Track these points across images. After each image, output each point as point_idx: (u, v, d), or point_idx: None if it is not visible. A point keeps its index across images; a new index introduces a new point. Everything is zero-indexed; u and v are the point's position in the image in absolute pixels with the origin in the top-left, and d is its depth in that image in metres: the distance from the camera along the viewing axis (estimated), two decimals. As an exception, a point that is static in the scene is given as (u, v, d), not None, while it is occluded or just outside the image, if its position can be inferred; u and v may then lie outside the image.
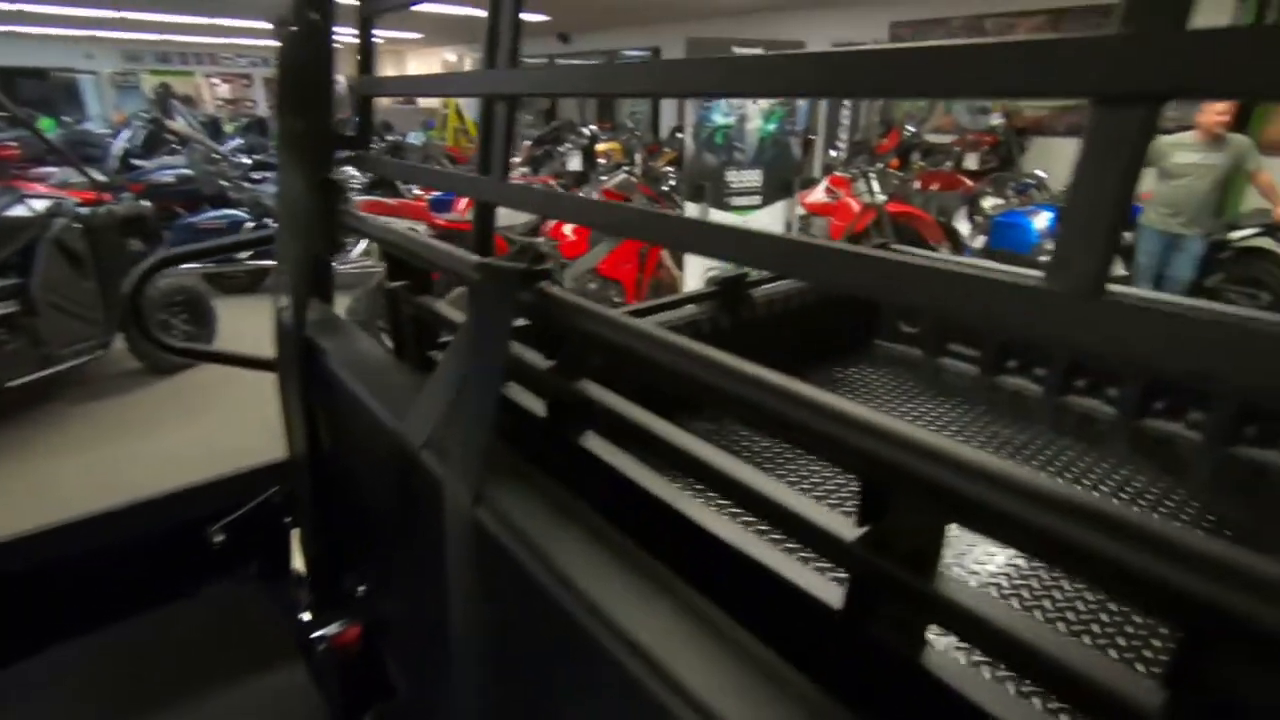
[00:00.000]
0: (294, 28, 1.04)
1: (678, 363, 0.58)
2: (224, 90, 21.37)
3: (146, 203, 4.69)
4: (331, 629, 0.86)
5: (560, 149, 7.07)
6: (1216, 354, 0.32)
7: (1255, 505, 1.51)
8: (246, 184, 6.33)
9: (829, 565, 0.55)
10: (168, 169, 6.52)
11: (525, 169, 6.93)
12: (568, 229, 4.43)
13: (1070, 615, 1.09)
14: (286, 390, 1.07)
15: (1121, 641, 0.99)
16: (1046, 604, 1.12)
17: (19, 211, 3.58)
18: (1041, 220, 5.20)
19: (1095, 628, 1.03)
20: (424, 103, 14.89)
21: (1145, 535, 0.34)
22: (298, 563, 1.30)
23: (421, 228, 4.42)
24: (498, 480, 0.61)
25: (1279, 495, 1.51)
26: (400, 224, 4.76)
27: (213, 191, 6.17)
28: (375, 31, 1.11)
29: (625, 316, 0.64)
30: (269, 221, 5.80)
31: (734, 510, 0.63)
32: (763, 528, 0.61)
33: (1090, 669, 0.40)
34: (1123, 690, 0.38)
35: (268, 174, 7.35)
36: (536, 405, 0.84)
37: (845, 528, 0.52)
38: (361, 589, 0.90)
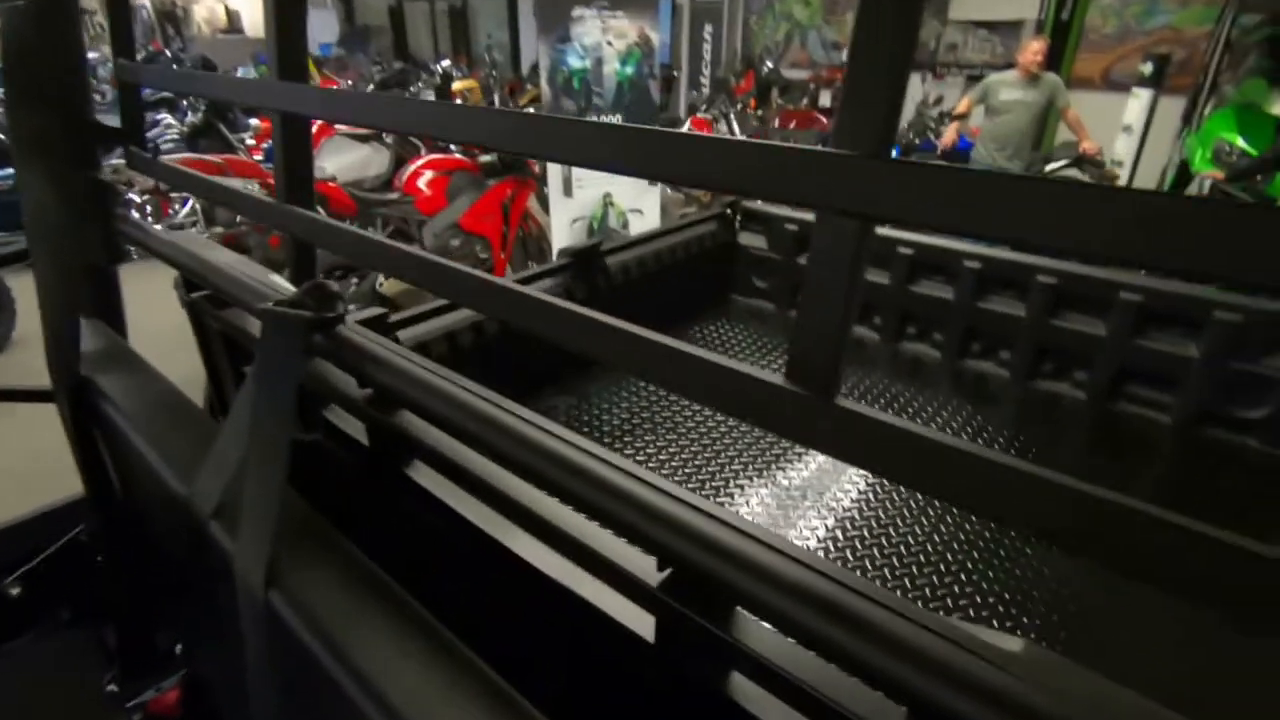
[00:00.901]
0: (20, 2, 0.87)
1: (471, 407, 0.57)
2: None
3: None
4: (147, 694, 0.79)
5: (410, 92, 6.58)
6: None
7: (1052, 426, 1.73)
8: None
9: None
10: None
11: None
12: (422, 183, 4.18)
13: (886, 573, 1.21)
14: (70, 429, 0.94)
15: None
16: (870, 559, 1.24)
17: None
18: (887, 158, 5.50)
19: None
20: (255, 33, 13.24)
21: (874, 625, 0.37)
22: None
23: (255, 187, 4.00)
24: (295, 554, 0.57)
25: (1071, 417, 1.74)
26: (235, 184, 4.29)
27: (-9, 147, 5.25)
28: None
29: (419, 362, 0.61)
30: None
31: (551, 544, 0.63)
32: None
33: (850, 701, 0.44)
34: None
35: None
36: (359, 432, 0.80)
37: (649, 573, 0.54)
38: (180, 647, 0.84)
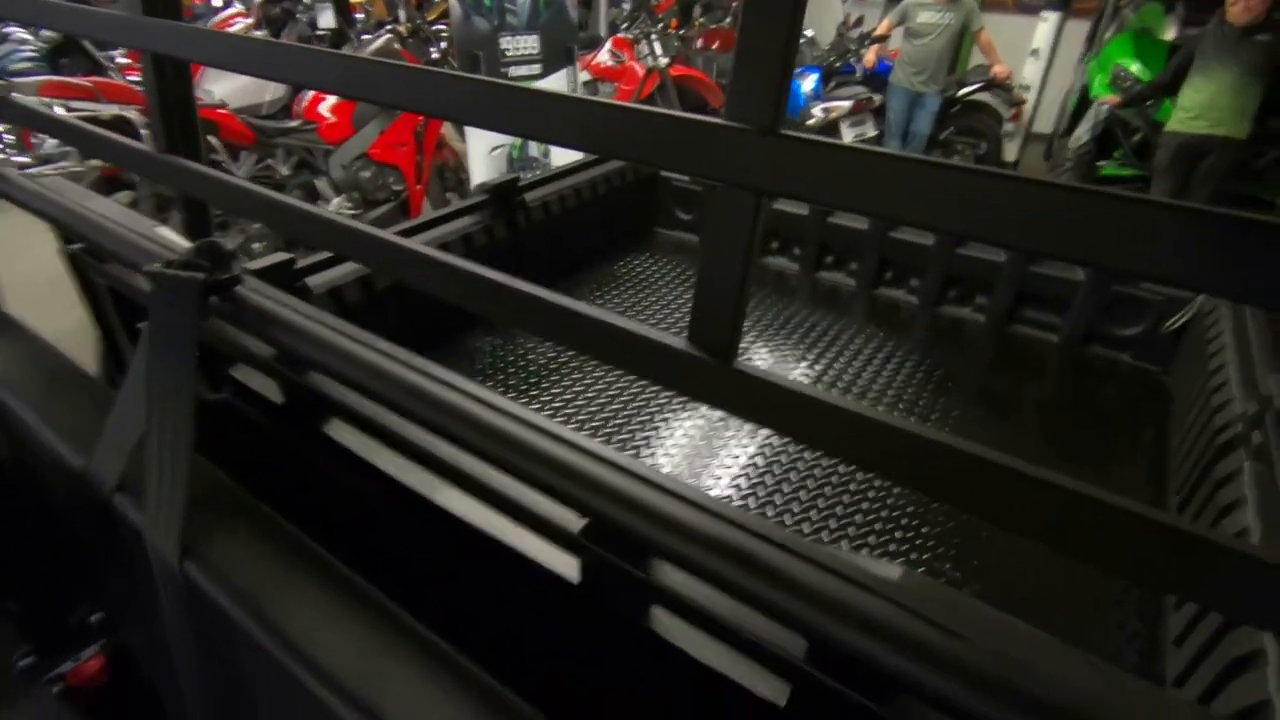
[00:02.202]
0: None
1: (374, 362, 0.56)
2: None
3: None
4: (65, 666, 0.77)
5: (305, 2, 6.01)
6: None
7: (956, 348, 1.85)
8: None
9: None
10: None
11: (260, 32, 5.83)
12: (324, 108, 3.90)
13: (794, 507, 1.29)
14: None
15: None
16: (777, 499, 1.32)
17: None
18: (808, 83, 5.48)
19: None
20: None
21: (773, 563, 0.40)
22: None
23: (134, 113, 3.62)
24: (209, 523, 0.56)
25: (973, 340, 1.87)
26: (108, 110, 3.85)
27: None
28: None
29: (319, 320, 0.59)
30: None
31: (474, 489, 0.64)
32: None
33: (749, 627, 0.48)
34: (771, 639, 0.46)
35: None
36: (273, 392, 0.78)
37: (571, 520, 0.56)
38: (96, 616, 0.81)
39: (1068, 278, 1.74)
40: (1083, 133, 4.85)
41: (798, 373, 1.66)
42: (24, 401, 0.70)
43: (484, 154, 4.11)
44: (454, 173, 4.48)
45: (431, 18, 6.67)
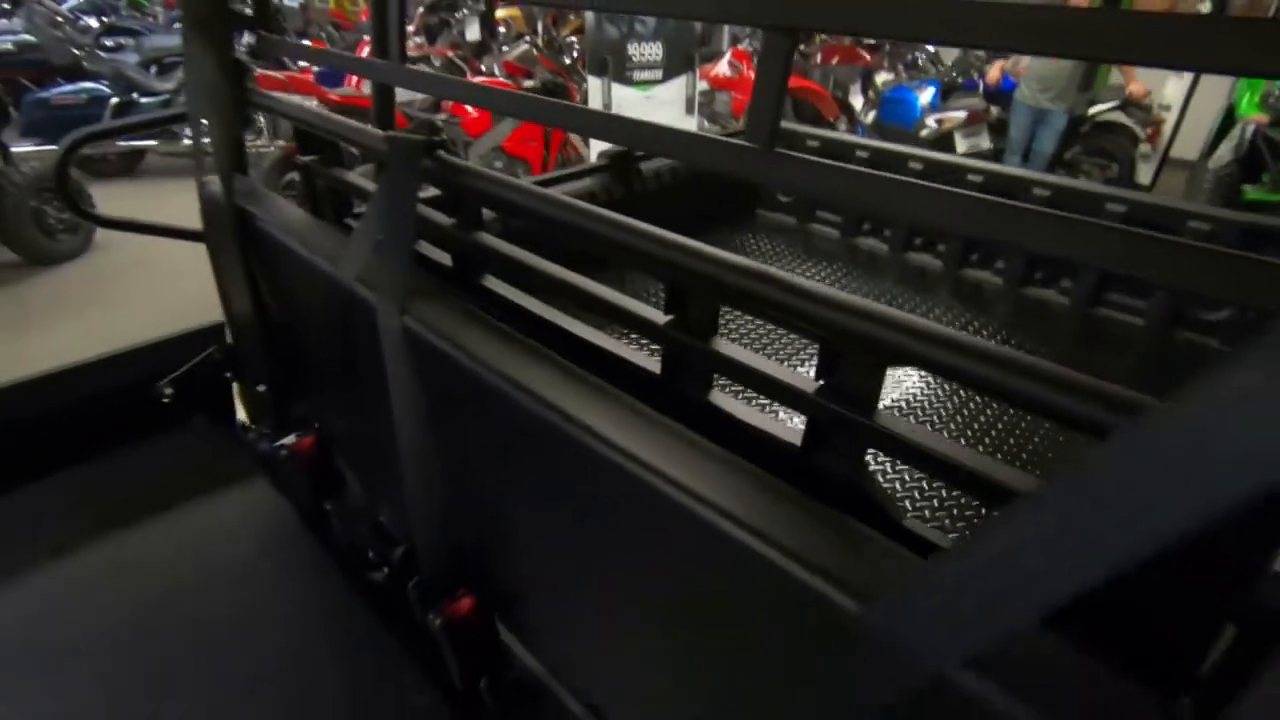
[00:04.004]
0: None
1: (566, 218, 0.79)
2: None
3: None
4: (289, 439, 1.07)
5: (457, 16, 6.66)
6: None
7: (1039, 330, 1.92)
8: (102, 53, 5.69)
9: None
10: (2, 35, 5.75)
11: (420, 39, 6.52)
12: (469, 105, 4.36)
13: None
14: (220, 257, 1.20)
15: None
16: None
17: None
18: (925, 95, 5.48)
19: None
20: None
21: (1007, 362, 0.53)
22: (241, 413, 1.48)
23: (313, 103, 4.23)
24: (419, 298, 0.82)
25: (1056, 321, 1.93)
26: (293, 99, 4.51)
27: (64, 61, 5.54)
28: None
29: (511, 178, 0.84)
30: (137, 96, 5.31)
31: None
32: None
33: (974, 464, 0.57)
34: (1001, 478, 0.54)
35: (123, 40, 6.58)
36: (444, 258, 1.04)
37: (807, 383, 0.67)
38: (309, 410, 1.11)
39: None
40: (1224, 153, 4.58)
41: None
42: (292, 237, 0.99)
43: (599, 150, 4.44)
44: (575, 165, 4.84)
45: (565, 31, 7.17)
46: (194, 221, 1.30)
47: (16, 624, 0.97)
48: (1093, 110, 5.45)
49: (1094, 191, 1.90)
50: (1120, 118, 5.41)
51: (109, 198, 4.59)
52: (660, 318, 0.75)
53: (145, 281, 4.13)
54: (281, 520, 1.15)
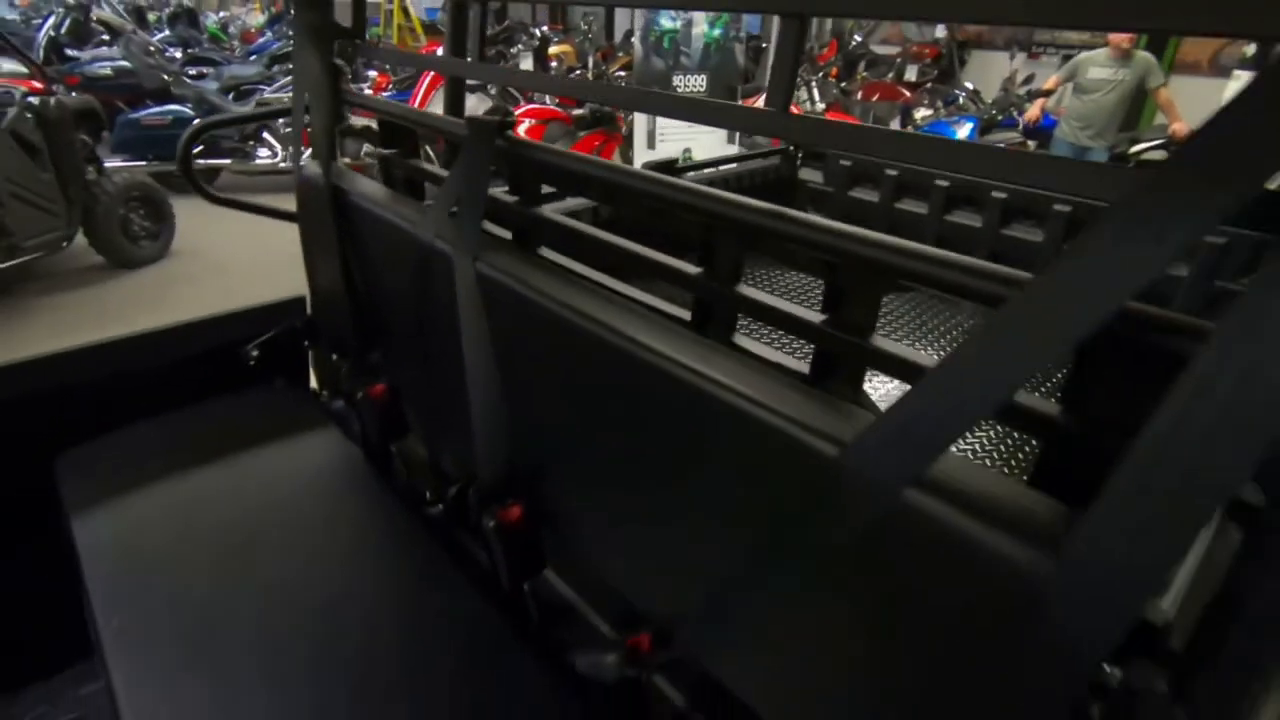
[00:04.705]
0: None
1: (618, 179, 0.93)
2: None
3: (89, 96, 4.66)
4: (364, 385, 1.23)
5: (511, 51, 7.04)
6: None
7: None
8: (187, 79, 6.18)
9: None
10: (103, 61, 6.28)
11: (477, 70, 6.90)
12: (522, 130, 4.62)
13: None
14: (312, 231, 1.38)
15: None
16: None
17: (-28, 100, 3.59)
18: (963, 130, 5.58)
19: None
20: (365, -4, 14.06)
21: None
22: (313, 380, 1.65)
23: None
24: (490, 247, 0.97)
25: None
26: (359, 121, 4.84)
27: (154, 86, 6.02)
28: None
29: (571, 153, 0.99)
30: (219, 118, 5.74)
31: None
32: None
33: None
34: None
35: (204, 69, 7.12)
36: (505, 234, 1.19)
37: (814, 316, 0.79)
38: (382, 365, 1.27)
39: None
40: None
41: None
42: (381, 206, 1.16)
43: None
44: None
45: (614, 68, 7.50)
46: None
47: (129, 531, 1.13)
48: (1135, 149, 5.47)
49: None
50: (1163, 157, 5.40)
51: (186, 210, 4.95)
52: (693, 269, 0.88)
53: (215, 283, 4.44)
54: (351, 465, 1.30)
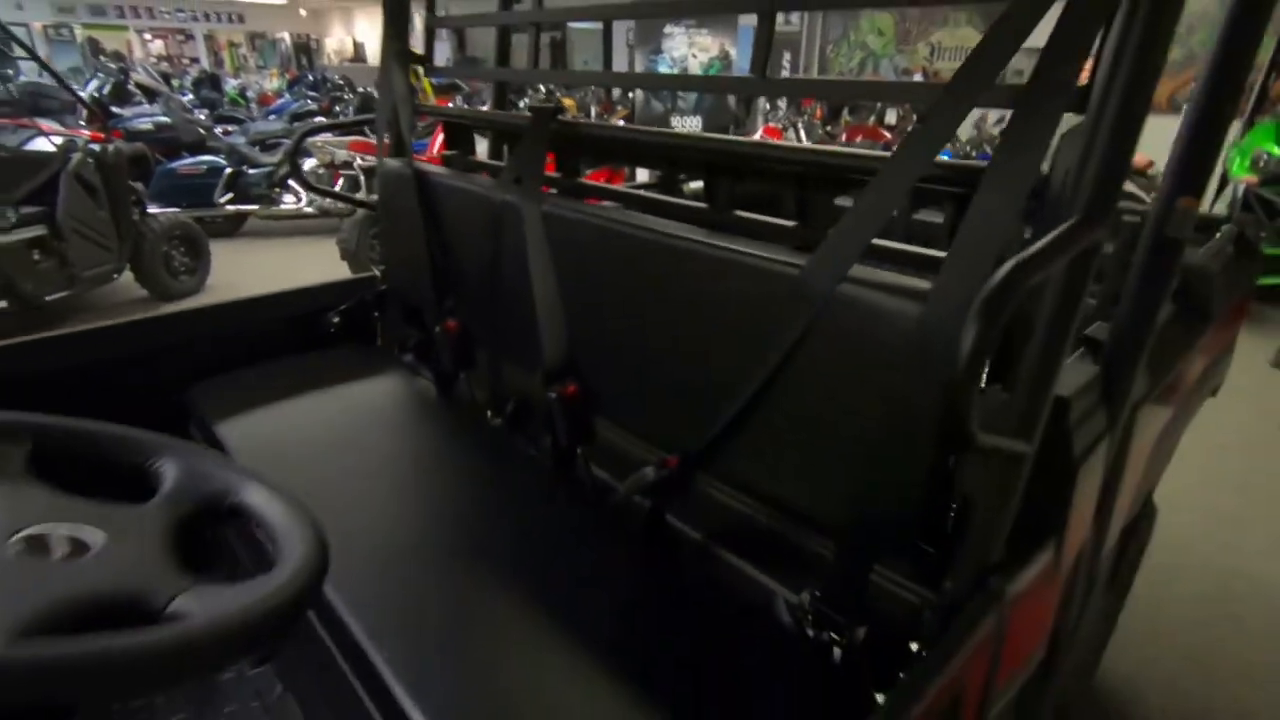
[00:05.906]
0: None
1: (641, 138, 1.27)
2: (157, 46, 20.58)
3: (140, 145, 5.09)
4: (442, 321, 1.54)
5: (520, 104, 7.57)
6: None
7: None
8: (219, 135, 6.68)
9: None
10: (145, 117, 6.79)
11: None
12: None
13: None
14: (393, 213, 1.71)
15: None
16: None
17: (42, 146, 3.99)
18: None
19: None
20: (376, 62, 14.93)
21: None
22: (379, 342, 1.97)
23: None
24: (551, 198, 1.30)
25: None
26: (372, 159, 5.30)
27: (191, 139, 6.49)
28: None
29: (606, 124, 1.33)
30: (246, 169, 6.19)
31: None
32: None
33: None
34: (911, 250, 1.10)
35: (229, 126, 7.66)
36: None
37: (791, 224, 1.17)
38: (452, 307, 1.58)
39: None
40: (1221, 212, 4.97)
41: None
42: (453, 184, 1.51)
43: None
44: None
45: (616, 119, 8.02)
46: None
47: (256, 444, 1.41)
48: (1099, 178, 5.89)
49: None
50: (1127, 184, 5.83)
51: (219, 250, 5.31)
52: (702, 205, 1.21)
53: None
54: (426, 397, 1.61)
